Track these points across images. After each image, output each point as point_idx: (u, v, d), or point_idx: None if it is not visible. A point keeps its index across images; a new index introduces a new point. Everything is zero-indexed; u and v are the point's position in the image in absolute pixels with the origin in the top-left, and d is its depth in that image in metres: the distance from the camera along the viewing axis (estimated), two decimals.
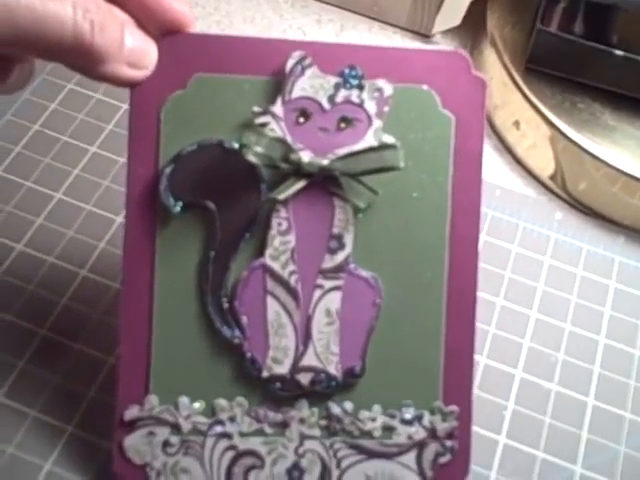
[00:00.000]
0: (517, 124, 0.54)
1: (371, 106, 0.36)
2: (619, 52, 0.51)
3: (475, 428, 0.38)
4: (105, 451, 0.40)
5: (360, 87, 0.36)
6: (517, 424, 0.43)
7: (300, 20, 0.61)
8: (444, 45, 0.61)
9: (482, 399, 0.43)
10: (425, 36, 0.61)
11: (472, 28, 0.60)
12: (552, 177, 0.53)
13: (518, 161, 0.55)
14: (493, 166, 0.55)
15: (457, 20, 0.59)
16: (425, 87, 0.36)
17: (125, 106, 0.52)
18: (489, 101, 0.56)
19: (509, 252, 0.49)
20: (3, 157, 0.50)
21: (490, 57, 0.56)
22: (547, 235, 0.51)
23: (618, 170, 0.50)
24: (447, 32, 0.61)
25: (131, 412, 0.36)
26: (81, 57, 0.32)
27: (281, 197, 0.35)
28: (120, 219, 0.47)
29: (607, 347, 0.46)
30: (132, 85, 0.35)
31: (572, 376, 0.45)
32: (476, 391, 0.43)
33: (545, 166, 0.54)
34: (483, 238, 0.49)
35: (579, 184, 0.52)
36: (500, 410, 0.44)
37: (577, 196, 0.53)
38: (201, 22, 0.59)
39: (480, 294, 0.38)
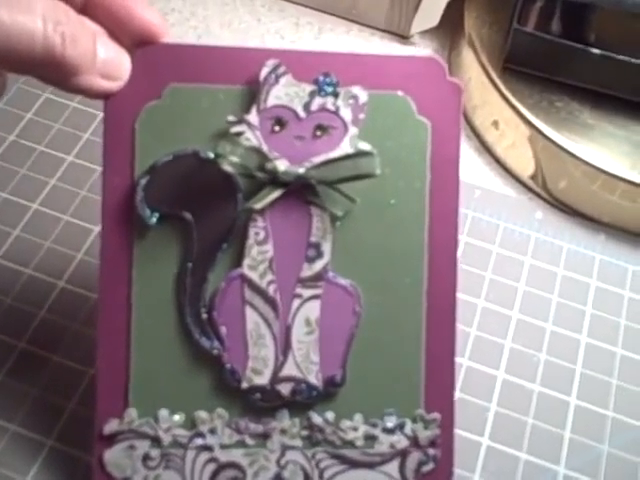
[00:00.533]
0: (496, 124, 0.54)
1: (347, 113, 0.36)
2: (596, 50, 0.51)
3: (458, 431, 0.38)
4: (86, 464, 0.39)
5: (335, 94, 0.36)
6: (500, 426, 0.43)
7: (278, 24, 0.61)
8: (422, 46, 0.61)
9: (464, 401, 0.43)
10: (403, 37, 0.61)
11: (450, 28, 0.61)
12: (532, 177, 0.53)
13: (498, 161, 0.55)
14: (473, 166, 0.55)
15: (435, 21, 0.59)
16: (400, 93, 0.36)
17: (102, 114, 0.51)
18: (468, 102, 0.56)
19: (490, 253, 0.49)
20: None
21: (468, 57, 0.56)
22: (527, 235, 0.51)
23: (597, 168, 0.50)
24: (425, 33, 0.61)
25: (110, 426, 0.36)
26: (53, 70, 0.31)
27: (257, 206, 0.35)
28: (98, 229, 0.47)
29: (589, 346, 0.46)
30: (106, 97, 0.35)
31: (554, 376, 0.45)
32: (458, 393, 0.43)
33: (525, 166, 0.54)
34: (463, 239, 0.49)
35: (559, 183, 0.52)
36: (483, 412, 0.44)
37: (557, 195, 0.53)
38: (178, 28, 0.59)
39: (461, 295, 0.38)
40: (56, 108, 0.52)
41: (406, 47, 0.60)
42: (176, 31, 0.58)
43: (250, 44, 0.37)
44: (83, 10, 0.34)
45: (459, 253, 0.38)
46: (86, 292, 0.45)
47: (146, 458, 0.36)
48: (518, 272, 0.49)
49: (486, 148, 0.56)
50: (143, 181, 0.35)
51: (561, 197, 0.53)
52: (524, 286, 0.48)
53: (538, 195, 0.54)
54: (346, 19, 0.62)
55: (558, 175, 0.52)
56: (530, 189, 0.54)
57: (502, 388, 0.44)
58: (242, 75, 0.36)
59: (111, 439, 0.36)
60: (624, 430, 0.44)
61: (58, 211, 0.48)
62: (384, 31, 0.61)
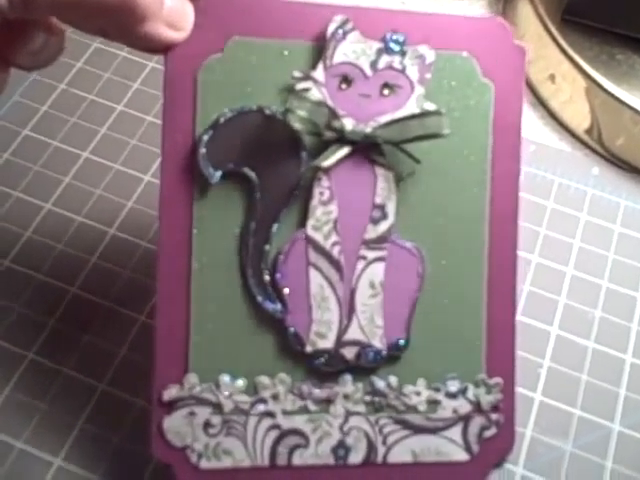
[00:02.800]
0: (552, 78, 0.54)
1: (413, 72, 0.35)
2: None
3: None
4: (137, 408, 0.39)
5: (402, 53, 0.35)
6: (553, 382, 0.43)
7: None
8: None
9: (518, 357, 0.42)
10: None
11: None
12: (588, 131, 0.53)
13: (553, 115, 0.55)
14: (527, 121, 0.54)
15: None
16: (466, 54, 0.36)
17: (151, 64, 0.52)
18: None
19: (544, 208, 0.49)
20: (29, 118, 0.49)
21: (524, 9, 0.55)
22: (584, 191, 0.50)
23: None
24: None
25: (170, 392, 0.35)
26: (123, 14, 0.30)
27: (325, 164, 0.34)
28: (148, 177, 0.47)
29: None
30: (169, 48, 0.34)
31: (610, 333, 0.45)
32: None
33: (581, 120, 0.53)
34: None
35: (617, 139, 0.52)
36: (536, 368, 0.43)
37: (614, 151, 0.52)
38: None
39: None
40: (106, 57, 0.52)
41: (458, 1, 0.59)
42: None
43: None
44: None
45: None
46: (137, 240, 0.45)
47: (207, 425, 0.35)
48: (573, 228, 0.49)
49: (541, 102, 0.56)
50: (205, 137, 0.34)
51: (618, 153, 0.52)
52: (579, 242, 0.48)
53: (594, 151, 0.53)
54: None
55: (616, 130, 0.51)
56: (586, 145, 0.54)
57: (556, 344, 0.44)
58: (308, 31, 0.35)
59: (171, 406, 0.35)
60: None
61: (109, 160, 0.48)
62: None
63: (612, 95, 0.51)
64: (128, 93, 0.51)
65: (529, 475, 0.40)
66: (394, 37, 0.35)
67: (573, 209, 0.50)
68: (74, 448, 0.38)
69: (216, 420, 0.35)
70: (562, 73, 0.53)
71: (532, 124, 0.55)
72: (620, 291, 0.47)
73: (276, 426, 0.36)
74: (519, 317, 0.45)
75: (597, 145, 0.53)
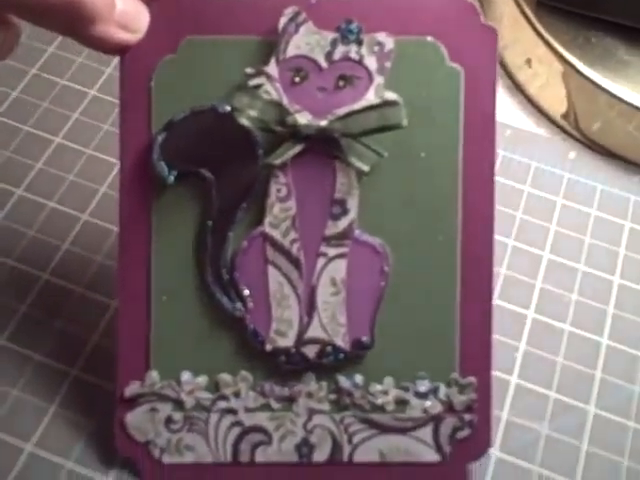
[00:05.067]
0: (529, 62, 0.53)
1: (371, 62, 0.34)
2: None
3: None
4: (108, 392, 0.40)
5: (359, 42, 0.34)
6: (529, 365, 0.43)
7: None
8: None
9: (494, 340, 0.41)
10: None
11: None
12: (565, 116, 0.52)
13: (530, 100, 0.54)
14: (503, 106, 0.54)
15: None
16: (430, 39, 0.35)
17: (108, 70, 0.53)
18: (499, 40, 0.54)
19: (521, 193, 0.49)
20: (1, 101, 0.51)
21: None
22: (560, 175, 0.50)
23: (633, 107, 0.49)
24: None
25: (132, 388, 0.36)
26: (71, 15, 0.31)
27: (277, 162, 0.34)
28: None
29: (622, 287, 0.46)
30: (122, 50, 0.34)
31: (585, 316, 0.45)
32: None
33: (558, 105, 0.52)
34: None
35: (593, 123, 0.51)
36: (512, 351, 0.43)
37: (591, 135, 0.52)
38: None
39: None
40: (77, 44, 0.53)
41: None
42: None
43: None
44: None
45: None
46: (109, 225, 0.46)
47: (169, 421, 0.36)
48: (550, 212, 0.48)
49: (518, 87, 0.55)
50: (160, 138, 0.35)
51: (595, 138, 0.51)
52: (556, 226, 0.48)
53: (571, 135, 0.53)
54: None
55: (592, 115, 0.51)
56: (563, 129, 0.53)
57: (532, 328, 0.44)
58: (260, 25, 0.35)
59: (133, 402, 0.36)
60: None
61: (81, 145, 0.49)
62: None
63: (588, 79, 0.49)
64: (101, 78, 0.52)
65: (505, 457, 0.40)
66: (349, 26, 0.34)
67: (549, 193, 0.49)
68: (46, 433, 0.39)
69: (178, 416, 0.36)
70: (538, 57, 0.52)
71: (508, 109, 0.54)
72: (596, 274, 0.46)
73: (238, 423, 0.36)
74: (495, 301, 0.44)
75: (574, 130, 0.52)
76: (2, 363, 0.41)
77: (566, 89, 0.51)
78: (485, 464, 0.39)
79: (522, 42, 0.53)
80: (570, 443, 0.40)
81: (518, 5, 0.52)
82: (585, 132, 0.52)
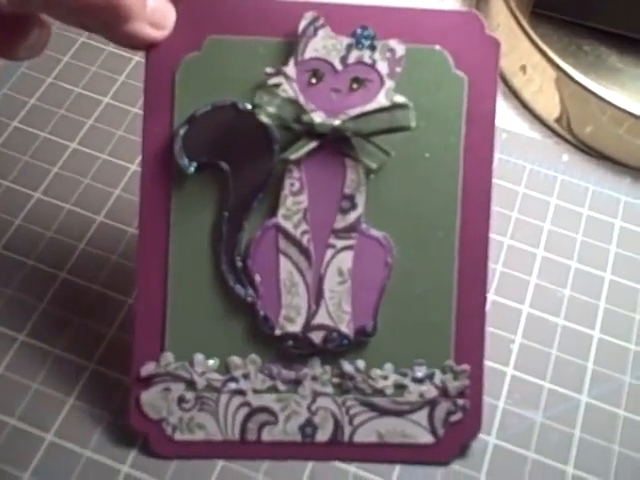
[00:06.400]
0: (524, 69, 0.55)
1: (383, 67, 0.37)
2: None
3: (485, 361, 0.40)
4: (125, 386, 0.41)
5: (372, 48, 0.37)
6: (524, 356, 0.45)
7: None
8: None
9: (490, 333, 0.45)
10: None
11: None
12: (558, 120, 0.55)
13: (524, 105, 0.57)
14: (499, 111, 0.55)
15: None
16: (438, 47, 0.37)
17: (136, 58, 0.55)
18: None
19: (516, 193, 0.51)
20: (18, 110, 0.52)
21: (497, 3, 0.57)
22: (554, 176, 0.52)
23: (624, 112, 0.51)
24: None
25: (147, 368, 0.38)
26: (107, 13, 0.33)
27: (293, 157, 0.36)
28: (134, 167, 0.50)
29: (612, 283, 0.48)
30: (151, 46, 0.36)
31: (578, 311, 0.47)
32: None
33: (551, 110, 0.55)
34: None
35: (585, 127, 0.53)
36: (508, 343, 0.45)
37: (583, 138, 0.54)
38: None
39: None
40: (92, 52, 0.55)
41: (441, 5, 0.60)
42: None
43: None
44: None
45: None
46: (124, 226, 0.47)
47: (181, 400, 0.38)
48: (544, 212, 0.51)
49: (513, 93, 0.57)
50: (182, 131, 0.37)
51: (587, 141, 0.54)
52: (550, 225, 0.50)
53: (564, 139, 0.55)
54: None
55: (584, 119, 0.53)
56: (556, 133, 0.55)
57: (527, 321, 0.46)
58: (281, 28, 0.37)
59: (148, 381, 0.38)
60: None
61: (96, 150, 0.50)
62: None
63: (580, 85, 0.52)
64: (114, 86, 0.53)
65: (501, 444, 0.42)
66: (364, 32, 0.37)
67: (543, 194, 0.51)
68: (65, 423, 0.41)
69: (190, 396, 0.38)
70: (533, 64, 0.54)
71: (504, 113, 0.56)
72: (588, 271, 0.48)
73: (246, 403, 0.38)
74: (492, 296, 0.47)
75: (567, 133, 0.55)
76: (23, 358, 0.42)
77: (559, 94, 0.54)
78: (483, 450, 0.41)
79: (517, 50, 0.55)
80: (563, 430, 0.43)
81: (513, 15, 0.55)
82: (578, 135, 0.54)
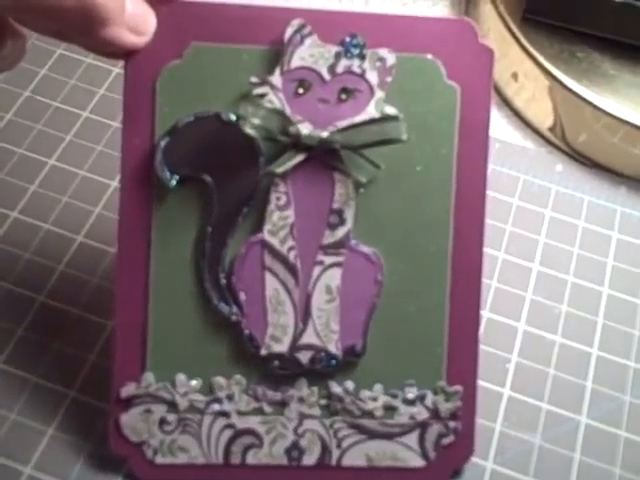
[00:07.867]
0: (515, 76, 0.55)
1: (373, 76, 0.36)
2: None
3: (479, 381, 0.38)
4: (106, 413, 0.39)
5: (362, 56, 0.36)
6: (521, 376, 0.44)
7: None
8: None
9: (485, 352, 0.44)
10: None
11: None
12: (551, 129, 0.54)
13: (517, 114, 0.56)
14: (491, 120, 0.55)
15: None
16: (430, 56, 0.36)
17: (116, 70, 0.53)
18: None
19: (510, 205, 0.50)
20: None
21: (486, 9, 0.56)
22: (548, 187, 0.51)
23: (619, 119, 0.50)
24: None
25: (127, 389, 0.37)
26: (83, 18, 0.32)
27: (279, 171, 0.35)
28: (115, 183, 0.48)
29: (610, 297, 0.47)
30: (130, 53, 0.35)
31: (576, 327, 0.46)
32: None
33: (544, 118, 0.54)
34: None
35: (579, 135, 0.53)
36: (504, 363, 0.44)
37: (577, 147, 0.53)
38: None
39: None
40: (70, 64, 0.53)
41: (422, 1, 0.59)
42: None
43: (275, 3, 0.37)
44: None
45: None
46: (104, 246, 0.46)
47: (162, 422, 0.37)
48: (538, 224, 0.50)
49: (505, 101, 0.56)
50: (163, 142, 0.36)
51: (581, 150, 0.53)
52: (545, 238, 0.49)
53: (558, 148, 0.54)
54: None
55: (578, 127, 0.52)
56: (550, 142, 0.54)
57: (523, 339, 0.45)
58: (266, 35, 0.36)
59: (128, 403, 0.37)
60: None
61: (75, 166, 0.49)
62: None
63: (573, 92, 0.51)
64: (94, 99, 0.52)
65: (499, 469, 0.41)
66: (353, 41, 0.36)
67: (538, 205, 0.50)
68: (44, 455, 0.40)
69: (171, 418, 0.37)
70: (524, 71, 0.54)
71: (496, 122, 0.55)
72: (585, 285, 0.47)
73: (230, 426, 0.37)
74: (487, 313, 0.46)
75: (560, 142, 0.54)
76: (0, 387, 0.41)
77: (552, 102, 0.53)
78: (480, 475, 0.40)
79: (508, 57, 0.54)
80: (563, 454, 0.41)
81: (503, 20, 0.54)
82: (571, 144, 0.53)
